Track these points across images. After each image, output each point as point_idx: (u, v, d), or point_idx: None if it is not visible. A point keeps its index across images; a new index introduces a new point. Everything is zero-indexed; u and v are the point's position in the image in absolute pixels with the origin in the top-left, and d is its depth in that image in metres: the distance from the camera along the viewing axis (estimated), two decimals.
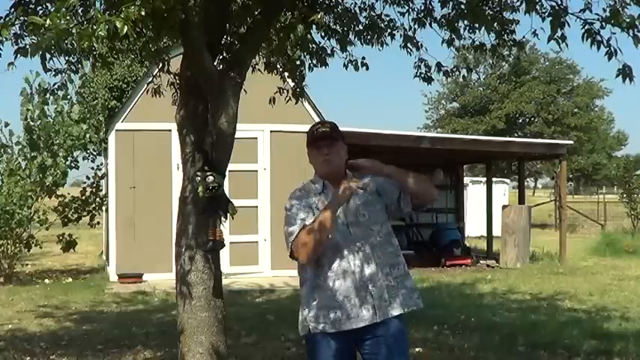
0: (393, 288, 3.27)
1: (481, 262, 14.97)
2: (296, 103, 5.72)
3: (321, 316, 3.26)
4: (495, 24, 4.92)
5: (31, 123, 12.66)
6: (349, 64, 5.44)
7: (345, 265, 3.24)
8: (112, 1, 3.11)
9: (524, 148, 16.49)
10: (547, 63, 43.73)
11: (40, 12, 3.78)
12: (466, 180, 22.13)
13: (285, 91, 5.63)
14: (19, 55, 3.45)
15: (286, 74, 5.60)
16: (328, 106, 19.81)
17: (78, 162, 13.21)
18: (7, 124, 12.84)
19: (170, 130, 10.78)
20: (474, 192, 22.79)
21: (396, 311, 3.26)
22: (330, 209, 3.21)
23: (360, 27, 5.33)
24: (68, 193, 13.01)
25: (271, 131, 12.37)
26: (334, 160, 3.37)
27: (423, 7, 5.21)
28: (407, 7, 5.27)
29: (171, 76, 5.12)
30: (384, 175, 3.40)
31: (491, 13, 4.89)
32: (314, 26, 4.86)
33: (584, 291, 10.62)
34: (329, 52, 5.33)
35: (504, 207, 15.49)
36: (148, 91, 5.75)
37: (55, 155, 12.61)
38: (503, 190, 24.33)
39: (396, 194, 3.40)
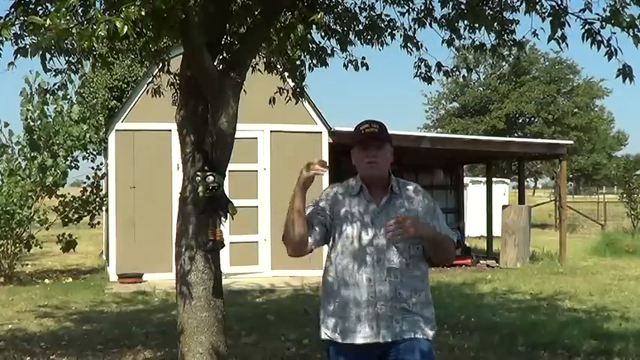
0: (409, 313, 3.13)
1: (481, 262, 14.96)
2: (296, 103, 5.73)
3: (331, 324, 3.18)
4: (495, 24, 4.92)
5: (31, 123, 12.67)
6: (349, 64, 5.44)
7: (357, 278, 3.12)
8: (112, 1, 3.11)
9: (524, 148, 16.48)
10: (547, 63, 43.69)
11: (40, 12, 3.78)
12: (466, 180, 22.12)
13: (285, 91, 5.63)
14: (19, 55, 3.45)
15: (286, 74, 5.60)
16: (328, 106, 19.79)
17: (78, 162, 13.23)
18: (7, 124, 12.87)
19: (170, 130, 10.78)
20: (474, 192, 22.78)
21: (407, 335, 3.12)
22: (294, 195, 3.06)
23: (360, 27, 5.33)
24: (68, 193, 13.02)
25: (271, 131, 12.36)
26: (380, 164, 3.17)
27: (423, 7, 5.22)
28: (407, 7, 5.28)
29: (171, 76, 5.13)
30: (417, 235, 3.11)
31: (491, 13, 4.89)
32: (314, 26, 4.86)
33: (584, 291, 10.61)
34: (329, 52, 5.33)
35: (504, 207, 15.49)
36: (148, 91, 5.75)
37: (55, 155, 12.62)
38: (503, 190, 24.31)
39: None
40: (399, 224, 3.00)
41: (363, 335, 3.10)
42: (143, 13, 2.89)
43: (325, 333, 3.21)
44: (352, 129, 3.32)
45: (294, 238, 3.10)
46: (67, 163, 12.86)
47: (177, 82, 4.91)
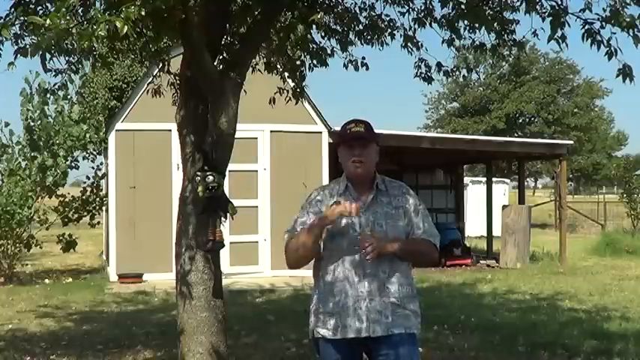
0: (397, 306, 3.19)
1: (481, 262, 14.97)
2: (296, 104, 5.73)
3: (321, 321, 3.24)
4: (495, 24, 4.92)
5: (32, 123, 12.67)
6: (349, 64, 5.45)
7: (347, 274, 3.18)
8: (112, 1, 3.11)
9: (524, 148, 16.48)
10: (547, 63, 43.77)
11: (40, 12, 3.78)
12: (466, 180, 22.13)
13: (285, 91, 5.63)
14: (19, 55, 3.45)
15: (286, 74, 5.61)
16: (328, 106, 19.73)
17: (78, 162, 13.23)
18: (7, 124, 12.86)
19: (170, 130, 10.77)
20: (474, 192, 22.79)
21: (397, 329, 3.17)
22: (313, 228, 3.16)
23: (360, 27, 5.34)
24: (68, 193, 13.02)
25: (271, 131, 12.35)
26: (365, 163, 3.24)
27: (423, 7, 5.23)
28: (407, 7, 5.28)
29: (171, 76, 5.12)
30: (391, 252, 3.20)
31: (491, 13, 4.89)
32: (314, 26, 4.87)
33: (584, 291, 10.61)
34: (329, 52, 5.33)
35: (504, 207, 15.49)
36: (148, 91, 5.75)
37: (56, 155, 12.62)
38: (503, 190, 24.32)
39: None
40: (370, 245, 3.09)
41: (354, 329, 3.16)
42: (143, 13, 2.89)
43: (317, 330, 3.25)
44: None
45: (302, 262, 3.28)
46: (67, 163, 12.86)
47: (177, 82, 4.92)
